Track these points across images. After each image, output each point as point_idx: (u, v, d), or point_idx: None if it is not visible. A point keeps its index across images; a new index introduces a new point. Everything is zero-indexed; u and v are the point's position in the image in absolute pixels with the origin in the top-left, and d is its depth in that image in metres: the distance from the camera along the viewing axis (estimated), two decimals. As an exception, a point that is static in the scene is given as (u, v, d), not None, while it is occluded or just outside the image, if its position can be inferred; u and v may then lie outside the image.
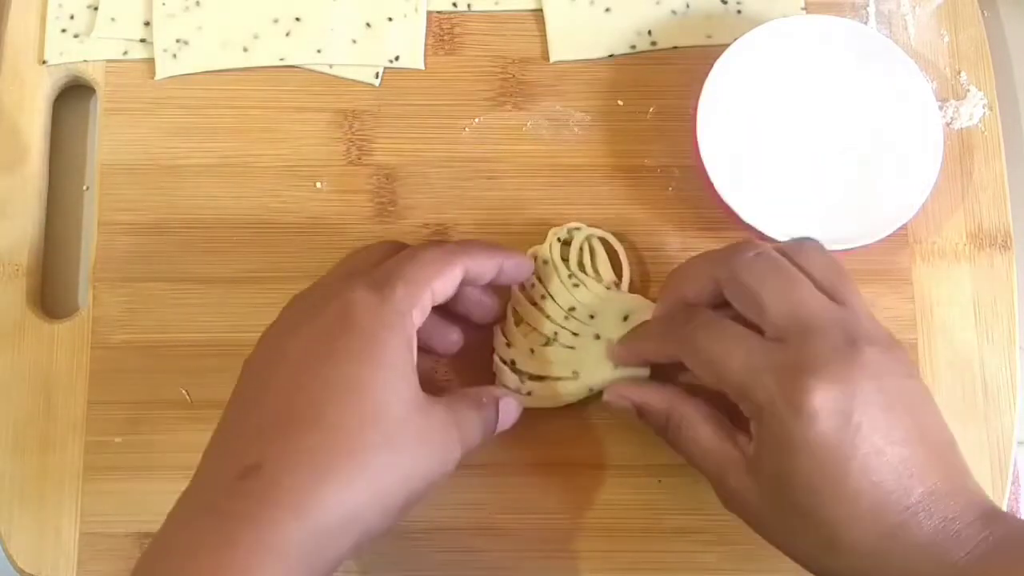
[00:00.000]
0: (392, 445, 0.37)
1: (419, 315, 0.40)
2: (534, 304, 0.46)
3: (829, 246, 0.42)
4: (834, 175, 0.48)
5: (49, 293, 0.50)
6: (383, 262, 0.42)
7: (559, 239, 0.47)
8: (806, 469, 0.37)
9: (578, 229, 0.48)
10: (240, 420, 0.39)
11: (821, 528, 0.37)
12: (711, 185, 0.47)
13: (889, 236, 0.47)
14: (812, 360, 0.37)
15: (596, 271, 0.47)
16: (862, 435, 0.36)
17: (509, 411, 0.43)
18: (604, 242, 0.48)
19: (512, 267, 0.44)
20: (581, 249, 0.47)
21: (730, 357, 0.39)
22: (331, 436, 0.36)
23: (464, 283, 0.42)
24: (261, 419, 0.37)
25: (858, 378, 0.37)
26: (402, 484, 0.37)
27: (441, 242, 0.46)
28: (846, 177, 0.48)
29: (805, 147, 0.49)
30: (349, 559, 0.38)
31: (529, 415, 0.44)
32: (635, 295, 0.47)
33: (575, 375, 0.45)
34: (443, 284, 0.41)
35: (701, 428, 0.41)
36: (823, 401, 0.36)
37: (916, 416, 0.38)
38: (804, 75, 0.49)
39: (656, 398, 0.43)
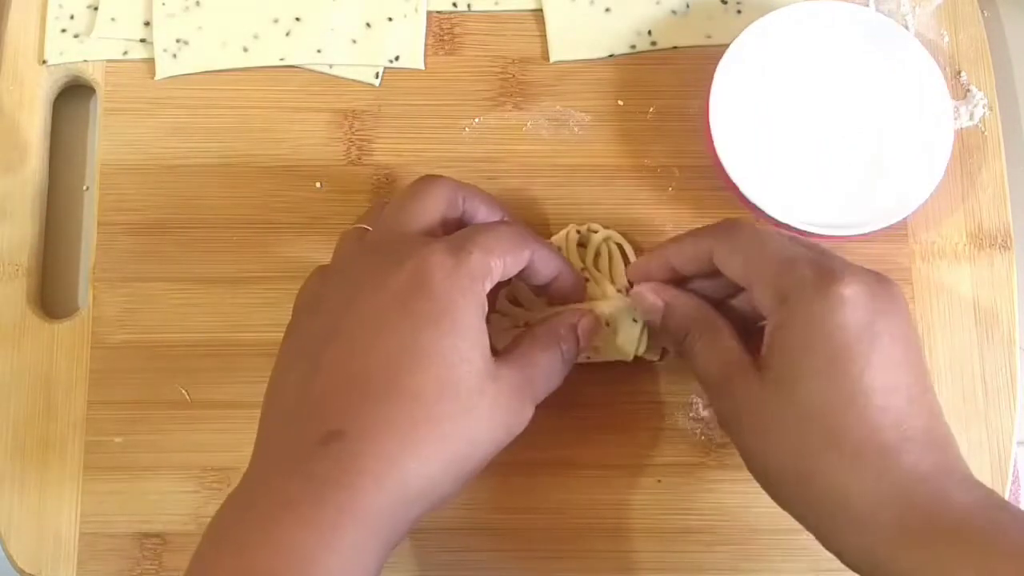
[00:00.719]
0: (467, 415, 0.37)
1: (489, 284, 0.39)
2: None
3: (843, 231, 0.45)
4: (846, 161, 0.48)
5: (49, 293, 0.50)
6: (432, 216, 0.41)
7: (578, 231, 0.47)
8: (825, 354, 0.37)
9: (596, 232, 0.48)
10: (308, 379, 0.38)
11: (823, 421, 0.37)
12: (724, 175, 0.47)
13: (889, 235, 0.47)
14: (848, 267, 0.38)
15: (610, 274, 0.47)
16: (882, 342, 0.37)
17: (586, 331, 0.43)
18: (620, 249, 0.48)
19: (567, 283, 0.44)
20: (597, 251, 0.47)
21: (767, 246, 0.40)
22: (410, 406, 0.37)
23: (521, 274, 0.41)
24: (335, 381, 0.37)
25: (886, 300, 0.38)
26: (474, 452, 0.38)
27: (511, 223, 0.45)
28: (860, 160, 0.48)
29: (816, 134, 0.48)
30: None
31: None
32: None
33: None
34: (513, 262, 0.40)
35: (728, 339, 0.41)
36: (854, 294, 0.37)
37: (921, 365, 0.39)
38: (817, 62, 0.48)
39: (687, 301, 0.43)
